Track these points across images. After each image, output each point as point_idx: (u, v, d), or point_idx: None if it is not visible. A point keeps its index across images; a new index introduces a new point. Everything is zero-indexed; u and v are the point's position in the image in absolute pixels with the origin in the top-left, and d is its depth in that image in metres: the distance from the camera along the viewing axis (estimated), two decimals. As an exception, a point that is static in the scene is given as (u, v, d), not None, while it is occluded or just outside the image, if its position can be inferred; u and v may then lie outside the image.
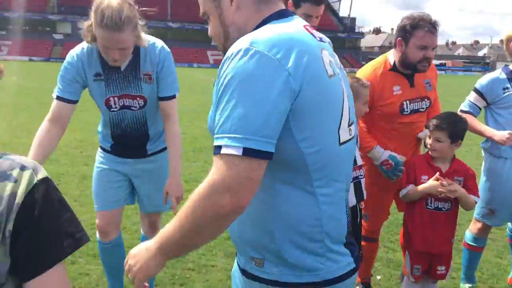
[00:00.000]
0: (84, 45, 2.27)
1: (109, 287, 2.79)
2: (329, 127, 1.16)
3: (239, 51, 1.08)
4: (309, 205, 1.17)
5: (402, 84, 2.66)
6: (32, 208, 0.85)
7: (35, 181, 0.87)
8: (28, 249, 0.84)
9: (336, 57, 1.29)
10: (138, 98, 2.35)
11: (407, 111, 2.66)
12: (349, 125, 1.25)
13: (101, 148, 2.59)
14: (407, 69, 2.63)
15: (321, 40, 1.22)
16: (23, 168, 0.87)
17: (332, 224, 1.21)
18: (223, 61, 1.12)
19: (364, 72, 2.74)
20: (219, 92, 1.09)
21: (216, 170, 1.04)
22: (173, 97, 2.40)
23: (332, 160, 1.18)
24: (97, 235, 2.62)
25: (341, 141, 1.20)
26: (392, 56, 2.69)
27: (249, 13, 1.22)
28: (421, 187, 2.45)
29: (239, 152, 1.01)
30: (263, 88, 1.04)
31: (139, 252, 1.22)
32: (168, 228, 1.13)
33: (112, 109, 2.36)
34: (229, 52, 1.11)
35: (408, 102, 2.65)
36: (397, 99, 2.64)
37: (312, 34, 1.21)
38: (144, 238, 2.71)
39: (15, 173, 0.86)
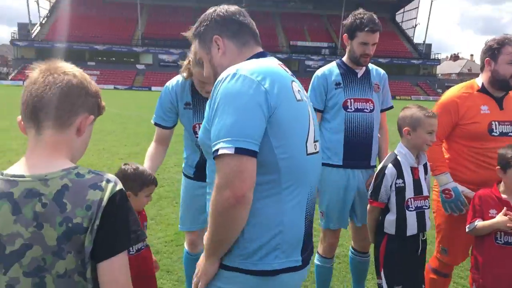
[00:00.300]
0: (179, 78, 2.63)
1: None
2: (298, 139, 1.45)
3: (228, 75, 1.40)
4: (276, 205, 1.42)
5: (490, 105, 2.63)
6: (111, 210, 1.16)
7: (115, 190, 1.18)
8: (104, 239, 1.15)
9: (303, 89, 1.59)
10: None
11: (496, 132, 2.59)
12: (314, 141, 1.53)
13: (185, 175, 2.86)
14: (499, 88, 2.62)
15: (292, 75, 1.56)
16: (108, 181, 1.19)
17: (291, 223, 1.45)
18: (215, 84, 1.43)
19: (451, 92, 2.76)
20: (214, 109, 1.38)
21: (217, 174, 1.33)
22: None
23: (300, 167, 1.45)
24: (186, 247, 2.95)
25: (308, 152, 1.48)
26: (480, 79, 2.70)
27: (233, 57, 1.56)
28: (489, 222, 2.39)
29: (231, 151, 1.29)
30: (247, 101, 1.35)
31: (200, 261, 1.53)
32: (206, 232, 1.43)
33: (197, 135, 2.61)
34: (220, 77, 1.42)
35: (497, 123, 2.60)
36: (485, 118, 2.60)
37: (285, 69, 1.54)
38: None
39: (103, 184, 1.18)
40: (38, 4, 68.10)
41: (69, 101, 1.20)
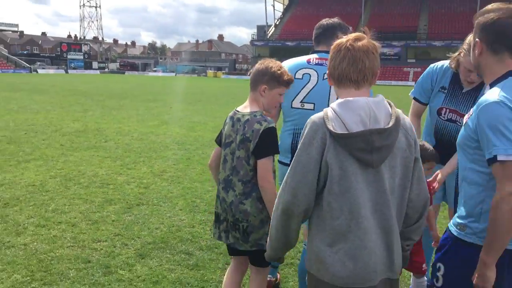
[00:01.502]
0: (443, 62, 2.98)
1: None
2: (288, 98, 2.67)
3: None
4: (283, 130, 2.87)
5: None
6: (263, 135, 2.27)
7: (268, 127, 2.28)
8: (259, 148, 2.29)
9: (314, 71, 2.69)
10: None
11: None
12: (302, 102, 2.69)
13: None
14: None
15: (310, 62, 2.74)
16: (265, 120, 2.32)
17: (283, 139, 2.85)
18: None
19: None
20: None
21: None
22: None
23: (287, 112, 2.79)
24: None
25: (292, 106, 2.73)
26: None
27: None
28: None
29: None
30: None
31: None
32: None
33: (440, 117, 2.96)
34: None
35: None
36: None
37: (308, 61, 2.74)
38: None
39: (262, 122, 2.30)
40: (274, 8, 76.77)
41: (256, 77, 2.40)
